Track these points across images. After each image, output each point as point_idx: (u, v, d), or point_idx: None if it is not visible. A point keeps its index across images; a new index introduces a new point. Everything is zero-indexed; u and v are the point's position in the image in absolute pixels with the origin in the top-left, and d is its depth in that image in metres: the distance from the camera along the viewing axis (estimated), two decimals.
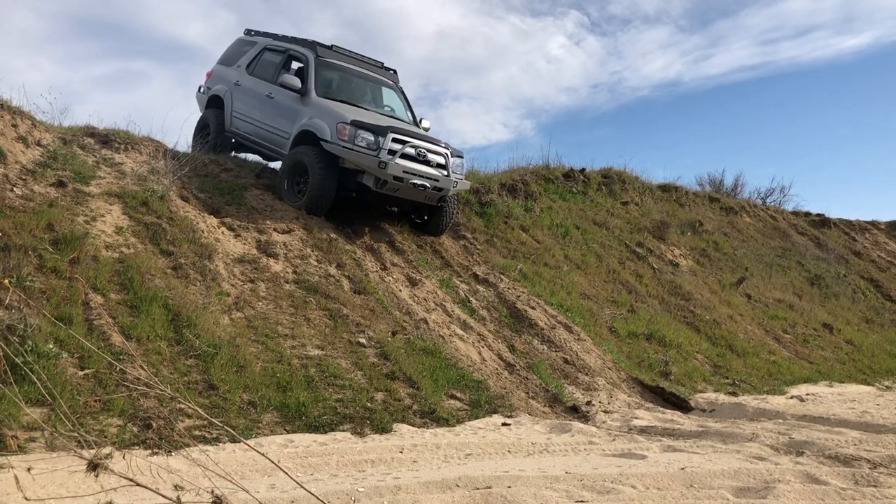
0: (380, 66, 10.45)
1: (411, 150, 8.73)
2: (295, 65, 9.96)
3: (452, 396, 6.23)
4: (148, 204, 7.58)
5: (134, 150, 9.01)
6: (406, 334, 7.05)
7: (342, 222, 9.06)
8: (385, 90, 10.45)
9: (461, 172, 9.46)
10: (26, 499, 2.82)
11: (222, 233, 7.85)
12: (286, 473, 3.39)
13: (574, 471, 4.32)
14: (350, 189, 8.83)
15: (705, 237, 14.14)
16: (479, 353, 7.26)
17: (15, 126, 7.86)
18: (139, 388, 4.17)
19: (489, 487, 3.85)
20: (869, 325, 13.21)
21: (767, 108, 50.84)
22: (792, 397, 8.24)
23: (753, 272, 13.39)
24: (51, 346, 4.83)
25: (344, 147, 8.46)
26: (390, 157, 8.55)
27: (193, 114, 11.34)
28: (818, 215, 18.00)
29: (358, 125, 8.52)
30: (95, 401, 4.57)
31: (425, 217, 9.67)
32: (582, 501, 3.72)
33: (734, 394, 8.12)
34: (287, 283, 7.38)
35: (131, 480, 2.75)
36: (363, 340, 6.70)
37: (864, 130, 49.10)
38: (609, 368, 7.94)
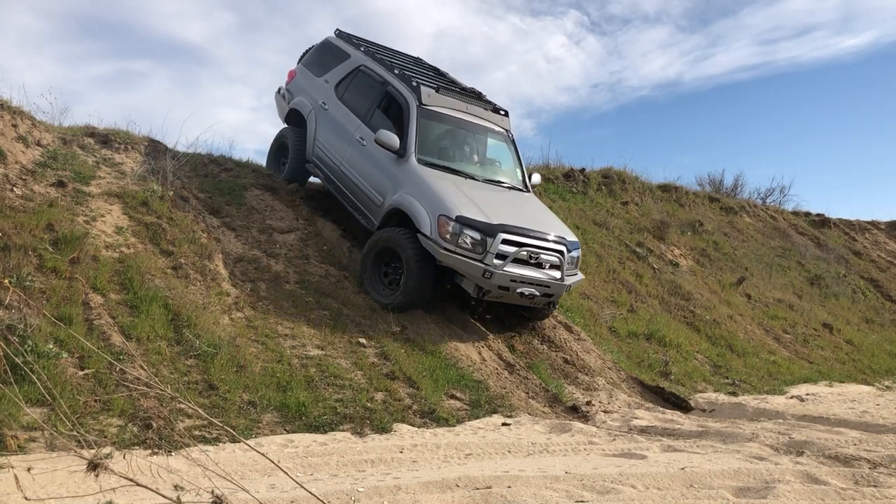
0: (490, 108, 8.90)
1: (523, 254, 7.28)
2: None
3: (452, 396, 6.23)
4: (148, 204, 7.58)
5: (134, 150, 9.01)
6: (406, 334, 7.05)
7: (343, 222, 9.04)
8: (492, 140, 8.89)
9: (576, 264, 7.93)
10: (26, 499, 2.82)
11: (222, 233, 7.86)
12: (286, 473, 3.39)
13: (574, 471, 4.32)
14: (444, 282, 7.49)
15: (705, 237, 14.14)
16: (479, 353, 7.26)
17: (15, 126, 7.85)
18: (139, 388, 4.17)
19: (489, 487, 3.85)
20: (869, 325, 13.21)
21: (767, 108, 50.90)
22: (792, 397, 8.24)
23: (753, 272, 13.39)
24: (51, 346, 4.83)
25: (445, 249, 7.03)
26: (499, 262, 7.10)
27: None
28: (818, 215, 18.00)
29: (464, 222, 7.06)
30: (95, 401, 4.57)
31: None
32: (582, 501, 3.72)
33: (734, 394, 8.12)
34: (287, 283, 7.38)
35: (131, 480, 2.75)
36: (363, 340, 6.71)
37: (864, 130, 49.17)
38: (609, 368, 7.94)
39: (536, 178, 8.93)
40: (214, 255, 7.24)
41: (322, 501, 3.28)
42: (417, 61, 10.08)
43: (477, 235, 7.06)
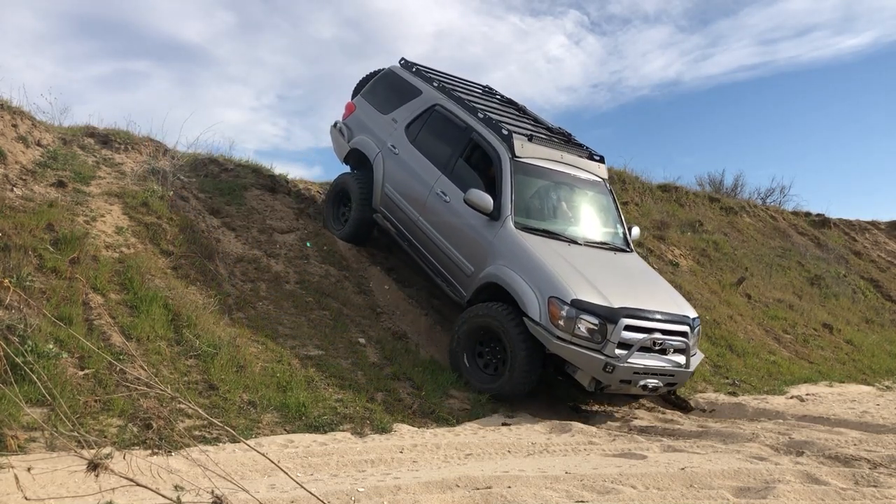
0: (585, 155, 7.93)
1: (648, 342, 6.23)
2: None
3: (452, 396, 6.23)
4: (148, 204, 7.58)
5: (134, 150, 9.01)
6: (407, 335, 7.05)
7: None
8: (590, 192, 7.82)
9: (696, 342, 6.87)
10: (26, 499, 2.83)
11: (222, 233, 7.86)
12: (286, 473, 3.39)
13: (574, 471, 4.32)
14: (551, 368, 6.47)
15: (705, 237, 14.14)
16: None
17: (15, 126, 7.85)
18: (139, 388, 4.17)
19: (489, 487, 3.85)
20: (869, 325, 13.21)
21: (767, 108, 50.82)
22: (792, 397, 8.24)
23: (753, 272, 13.39)
24: (51, 346, 4.83)
25: (558, 339, 6.01)
26: (622, 353, 6.06)
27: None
28: (818, 215, 17.99)
29: (580, 307, 6.02)
30: (95, 401, 4.57)
31: None
32: (582, 501, 3.72)
33: (734, 394, 8.12)
34: (287, 283, 7.39)
35: (131, 480, 2.76)
36: (363, 340, 6.71)
37: (864, 130, 49.08)
38: None
39: (636, 231, 7.95)
40: (214, 255, 7.24)
41: (322, 501, 3.28)
42: (488, 91, 9.29)
43: (595, 322, 6.02)
